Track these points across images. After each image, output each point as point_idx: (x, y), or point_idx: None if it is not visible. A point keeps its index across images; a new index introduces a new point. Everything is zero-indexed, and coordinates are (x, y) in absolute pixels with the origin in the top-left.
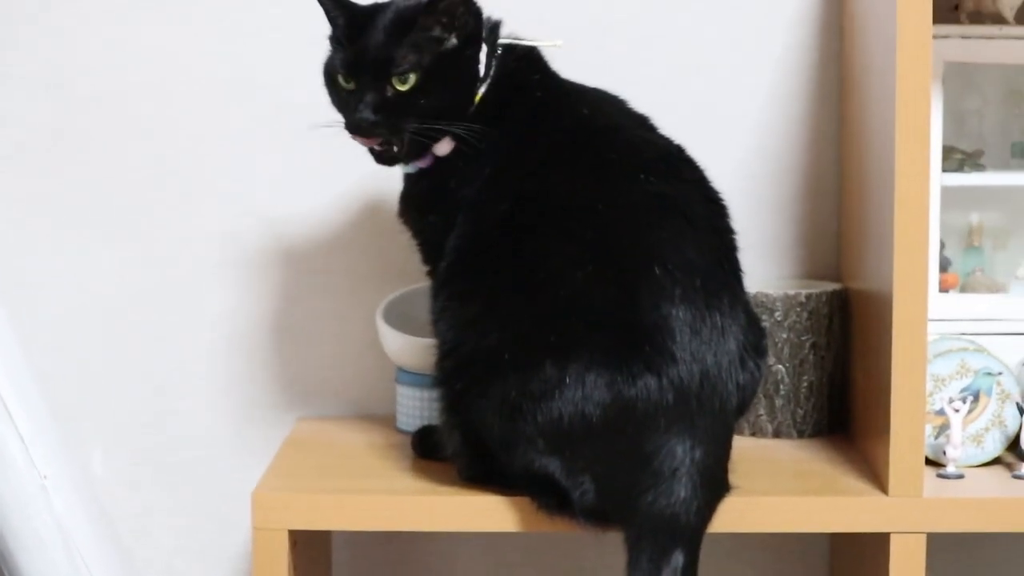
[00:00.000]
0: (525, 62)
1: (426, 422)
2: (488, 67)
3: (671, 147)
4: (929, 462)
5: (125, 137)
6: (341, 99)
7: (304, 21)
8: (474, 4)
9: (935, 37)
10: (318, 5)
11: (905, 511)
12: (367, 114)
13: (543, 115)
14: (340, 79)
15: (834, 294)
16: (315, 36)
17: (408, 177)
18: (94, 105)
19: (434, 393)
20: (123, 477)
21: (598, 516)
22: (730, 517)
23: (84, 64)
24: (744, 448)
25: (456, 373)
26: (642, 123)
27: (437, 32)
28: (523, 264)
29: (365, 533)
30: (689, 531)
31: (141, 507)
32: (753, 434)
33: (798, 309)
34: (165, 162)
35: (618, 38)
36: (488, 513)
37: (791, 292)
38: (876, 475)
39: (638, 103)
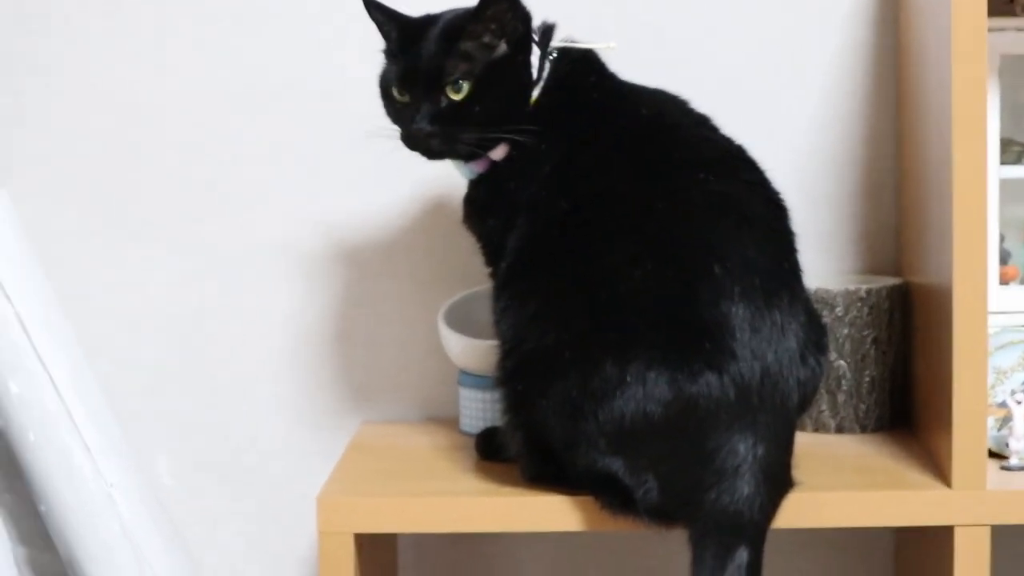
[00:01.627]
0: (581, 64)
1: (489, 424)
2: (541, 70)
3: (732, 147)
4: (992, 454)
5: (186, 146)
6: (396, 111)
7: (361, 29)
8: (522, 8)
9: (990, 30)
10: (370, 18)
11: (969, 504)
12: (423, 125)
13: (600, 115)
14: (395, 92)
15: (894, 289)
16: (372, 43)
17: (470, 182)
18: (156, 114)
19: (496, 394)
20: (189, 484)
21: (662, 514)
22: (794, 513)
23: (142, 74)
24: (807, 444)
25: (517, 373)
26: (703, 122)
27: (487, 39)
28: (581, 262)
29: (430, 535)
30: (753, 527)
31: (207, 514)
32: (816, 430)
33: (859, 304)
34: (227, 170)
35: (675, 38)
36: (552, 513)
37: (851, 287)
38: (939, 468)
39: (695, 103)
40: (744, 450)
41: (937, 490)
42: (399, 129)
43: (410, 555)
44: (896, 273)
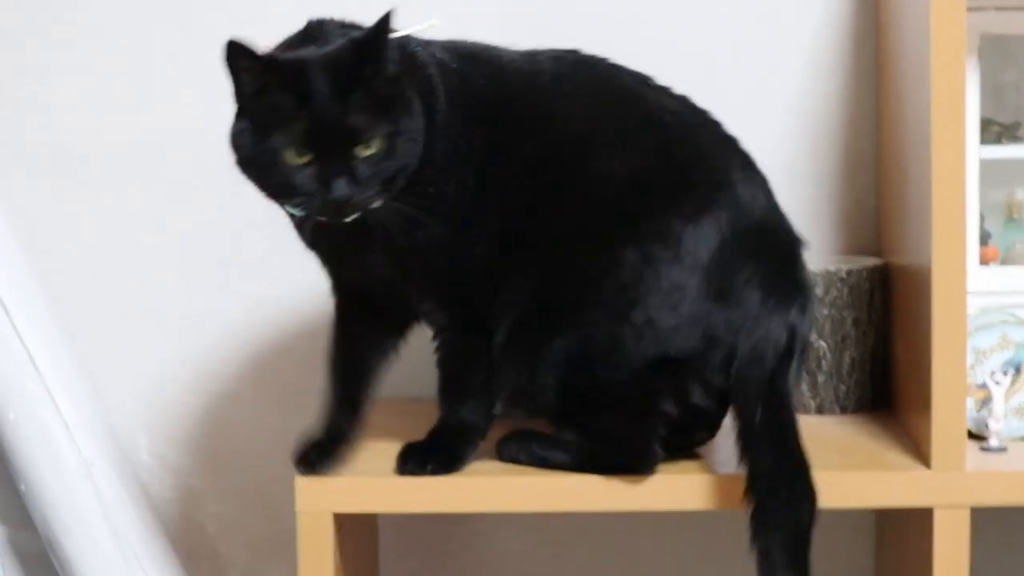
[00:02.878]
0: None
1: None
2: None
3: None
4: (972, 436)
5: (176, 129)
6: (289, 177)
7: None
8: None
9: (969, 9)
10: (229, 72)
11: (948, 485)
12: (344, 191)
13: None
14: (288, 155)
15: (874, 269)
16: None
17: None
18: (150, 100)
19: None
20: (168, 462)
21: (720, 395)
22: None
23: (141, 66)
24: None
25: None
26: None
27: (383, 75)
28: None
29: (411, 515)
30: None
31: (186, 492)
32: (805, 411)
33: (839, 285)
34: (220, 153)
35: (653, 16)
36: (534, 494)
37: (831, 268)
38: (919, 449)
39: (676, 82)
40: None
41: (917, 471)
42: (297, 198)
43: (391, 535)
44: (876, 254)
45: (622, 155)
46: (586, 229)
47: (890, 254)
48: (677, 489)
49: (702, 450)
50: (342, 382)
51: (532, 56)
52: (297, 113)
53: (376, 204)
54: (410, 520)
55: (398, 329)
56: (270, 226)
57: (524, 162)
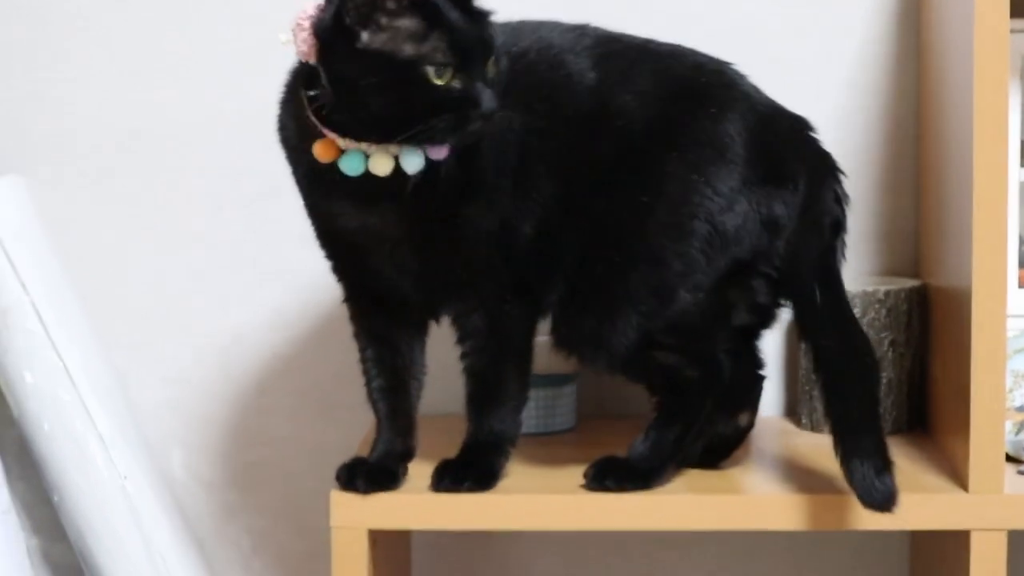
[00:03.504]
0: None
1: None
2: None
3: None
4: (1010, 458)
5: (206, 137)
6: (436, 97)
7: None
8: None
9: (1013, 31)
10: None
11: (985, 508)
12: (493, 104)
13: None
14: (432, 73)
15: (913, 290)
16: None
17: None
18: (175, 104)
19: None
20: (202, 476)
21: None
22: (810, 515)
23: (162, 65)
24: (823, 446)
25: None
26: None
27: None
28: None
29: (444, 532)
30: None
31: (219, 506)
32: None
33: (876, 306)
34: (246, 162)
35: (693, 32)
36: (566, 512)
37: (869, 289)
38: (956, 472)
39: None
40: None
41: (954, 493)
42: (442, 119)
43: (424, 552)
44: (915, 275)
45: (629, 90)
46: (626, 164)
47: (928, 275)
48: (707, 508)
49: (736, 470)
50: (388, 404)
51: (536, 29)
52: (434, 31)
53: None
54: (443, 536)
55: (421, 334)
56: (308, 237)
57: (554, 125)
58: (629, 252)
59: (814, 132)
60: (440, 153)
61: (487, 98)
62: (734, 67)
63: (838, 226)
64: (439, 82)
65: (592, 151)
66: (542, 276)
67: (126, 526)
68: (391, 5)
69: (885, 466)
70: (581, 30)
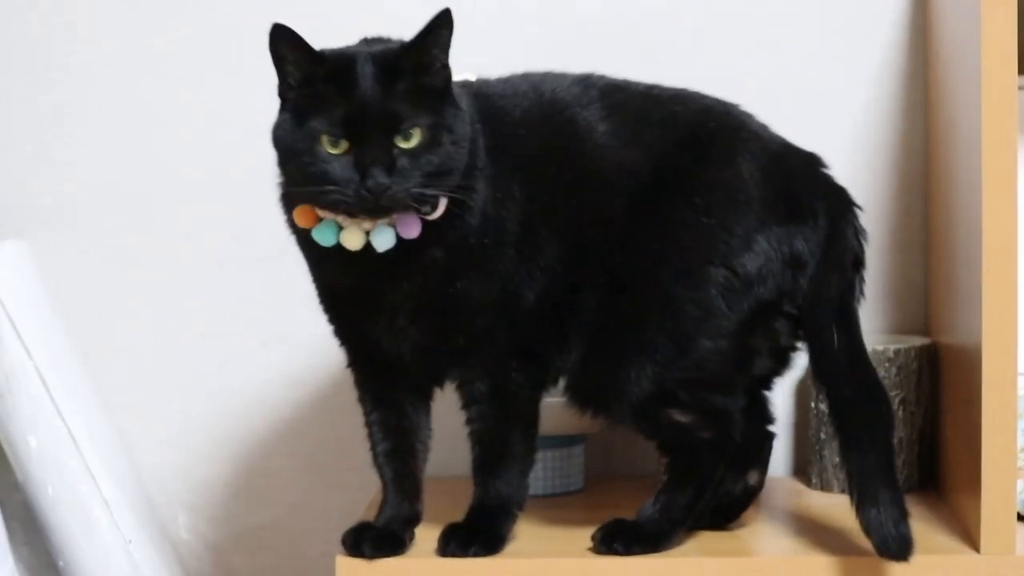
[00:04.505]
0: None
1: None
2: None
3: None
4: (1022, 518)
5: (208, 197)
6: (326, 166)
7: None
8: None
9: (1021, 88)
10: (274, 62)
11: (997, 569)
12: (381, 179)
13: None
14: (326, 142)
15: (923, 349)
16: None
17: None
18: (177, 164)
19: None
20: (207, 539)
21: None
22: None
23: (164, 120)
24: (833, 505)
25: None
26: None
27: (432, 71)
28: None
29: None
30: None
31: (225, 569)
32: (843, 491)
33: (887, 364)
34: (253, 219)
35: (695, 79)
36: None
37: (879, 347)
38: (967, 532)
39: None
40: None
41: (965, 555)
42: (332, 188)
43: None
44: (924, 333)
45: (638, 142)
46: (637, 217)
47: (939, 334)
48: (717, 571)
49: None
50: (394, 468)
51: (539, 85)
52: (338, 100)
53: (413, 206)
54: None
55: (426, 399)
56: (312, 300)
57: (563, 186)
58: (644, 302)
59: (827, 168)
60: (411, 231)
61: (374, 173)
62: (741, 108)
63: (858, 262)
64: (334, 151)
65: (602, 208)
66: (548, 339)
67: None
68: (318, 70)
69: (901, 515)
70: (586, 81)
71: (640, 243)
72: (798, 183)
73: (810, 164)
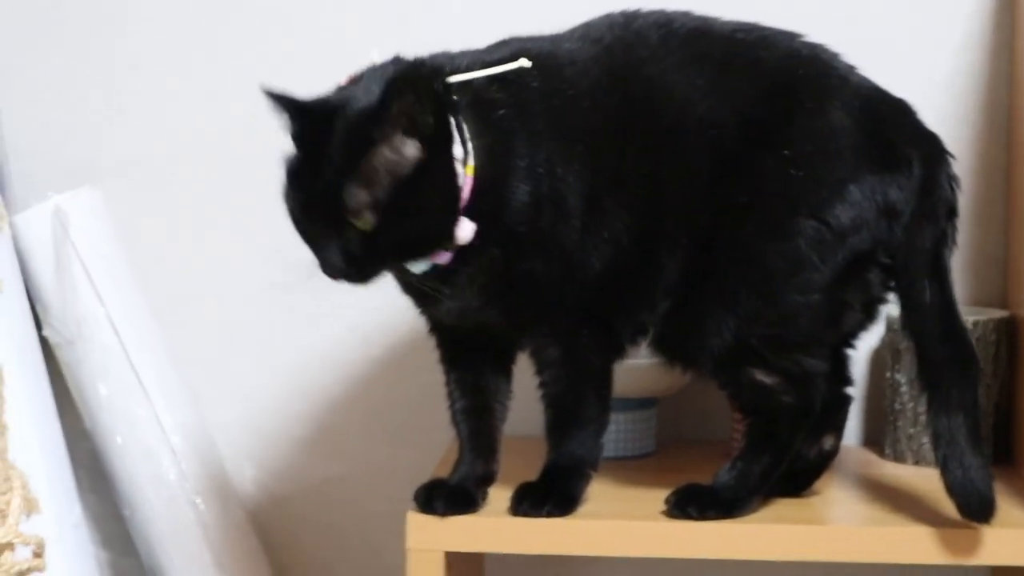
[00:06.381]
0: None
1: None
2: (463, 136)
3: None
4: None
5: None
6: (303, 232)
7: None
8: (431, 95)
9: None
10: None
11: None
12: (337, 263)
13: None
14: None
15: (1001, 321)
16: None
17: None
18: (253, 115)
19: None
20: (274, 494)
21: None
22: (891, 548)
23: (239, 73)
24: (906, 477)
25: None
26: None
27: (394, 145)
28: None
29: (519, 556)
30: None
31: (292, 524)
32: (917, 463)
33: None
34: None
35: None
36: (648, 538)
37: None
38: None
39: None
40: None
41: None
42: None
43: (497, 573)
44: (1003, 306)
45: (721, 92)
46: (721, 171)
47: (1017, 306)
48: (790, 538)
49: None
50: (470, 426)
51: (612, 46)
52: (290, 187)
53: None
54: (517, 560)
55: (507, 363)
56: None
57: (633, 154)
58: (727, 256)
59: (917, 115)
60: (441, 258)
61: (329, 254)
62: (828, 48)
63: (951, 211)
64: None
65: (682, 167)
66: (620, 305)
67: (197, 541)
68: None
69: (986, 477)
70: (668, 27)
71: (726, 199)
72: (891, 130)
73: (902, 110)
